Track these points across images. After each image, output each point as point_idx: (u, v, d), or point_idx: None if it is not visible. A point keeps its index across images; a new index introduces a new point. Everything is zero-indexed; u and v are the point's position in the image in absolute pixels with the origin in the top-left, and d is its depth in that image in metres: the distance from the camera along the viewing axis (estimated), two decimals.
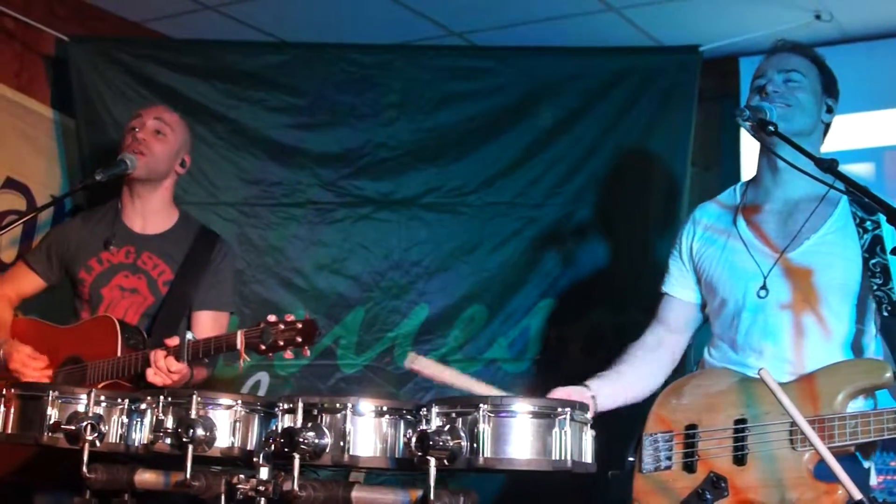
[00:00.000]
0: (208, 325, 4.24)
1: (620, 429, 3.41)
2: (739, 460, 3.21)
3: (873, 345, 3.39)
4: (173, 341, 3.75)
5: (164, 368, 3.73)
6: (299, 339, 3.38)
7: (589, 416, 2.91)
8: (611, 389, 3.55)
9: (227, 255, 4.38)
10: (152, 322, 4.20)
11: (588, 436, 2.74)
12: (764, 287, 3.39)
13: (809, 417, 3.06)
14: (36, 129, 5.56)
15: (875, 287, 3.29)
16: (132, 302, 4.21)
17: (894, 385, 3.12)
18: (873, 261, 3.32)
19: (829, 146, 3.72)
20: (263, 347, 3.43)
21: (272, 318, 3.42)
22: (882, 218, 3.24)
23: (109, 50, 5.53)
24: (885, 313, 3.27)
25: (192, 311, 4.25)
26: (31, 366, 4.07)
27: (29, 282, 4.44)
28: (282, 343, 3.39)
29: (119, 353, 3.93)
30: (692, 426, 3.34)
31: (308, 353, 3.45)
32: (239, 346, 3.50)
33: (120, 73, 5.49)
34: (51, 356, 4.15)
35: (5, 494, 4.04)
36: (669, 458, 3.35)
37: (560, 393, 3.42)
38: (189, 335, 3.73)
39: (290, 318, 3.40)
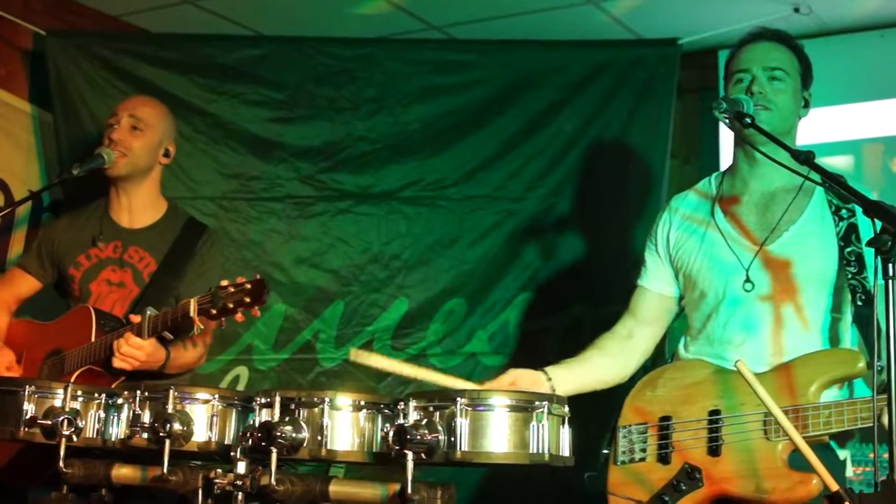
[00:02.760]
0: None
1: (594, 422, 3.42)
2: (714, 451, 3.23)
3: (849, 333, 3.40)
4: (136, 318, 3.78)
5: (127, 352, 3.76)
6: (247, 300, 3.38)
7: None
8: (574, 376, 3.57)
9: (215, 244, 4.38)
10: (134, 308, 4.18)
11: (566, 429, 2.75)
12: (748, 280, 3.39)
13: (785, 408, 3.08)
14: (13, 123, 5.53)
15: (850, 276, 3.31)
16: (119, 295, 4.23)
17: (868, 374, 3.14)
18: (848, 249, 3.33)
19: (807, 139, 3.73)
20: (214, 311, 3.44)
21: (224, 282, 3.44)
22: (858, 207, 3.25)
23: (87, 44, 5.50)
24: (860, 303, 3.29)
25: (177, 298, 4.24)
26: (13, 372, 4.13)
27: (25, 284, 4.47)
28: (231, 305, 3.40)
29: (93, 340, 3.94)
30: (666, 417, 3.35)
31: (258, 313, 3.48)
32: (192, 313, 3.51)
33: (98, 68, 5.47)
34: (38, 352, 4.18)
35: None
36: (644, 450, 3.36)
37: (512, 373, 3.46)
38: (149, 311, 3.74)
39: (241, 280, 3.42)
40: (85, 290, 4.26)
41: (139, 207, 4.34)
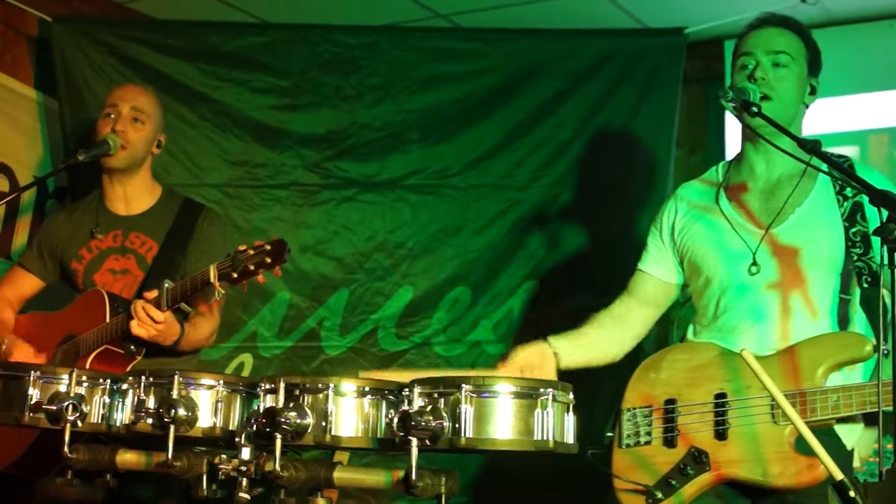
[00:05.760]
0: None
1: (598, 405, 3.42)
2: (720, 435, 3.22)
3: (858, 314, 3.38)
4: (152, 294, 3.78)
5: (145, 318, 3.76)
6: (269, 260, 3.36)
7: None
8: (573, 348, 3.57)
9: (214, 222, 4.39)
10: (139, 291, 4.19)
11: (570, 416, 2.74)
12: (755, 263, 3.38)
13: (791, 392, 3.08)
14: (19, 109, 5.54)
15: (855, 257, 3.29)
16: (125, 283, 4.23)
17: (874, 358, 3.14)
18: (853, 229, 3.31)
19: (813, 129, 3.71)
20: (235, 275, 3.43)
21: (242, 246, 3.44)
22: None
23: (93, 31, 5.50)
24: (865, 284, 3.27)
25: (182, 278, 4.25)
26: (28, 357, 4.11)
27: (27, 283, 4.47)
28: (252, 267, 3.39)
29: (108, 320, 3.96)
30: (671, 401, 3.34)
31: (279, 273, 3.48)
32: (212, 279, 3.52)
33: (103, 54, 5.47)
34: (50, 341, 4.18)
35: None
36: (649, 434, 3.35)
37: (521, 353, 3.45)
38: (167, 283, 3.75)
39: (259, 242, 3.41)
40: (89, 283, 4.26)
41: (135, 195, 4.35)
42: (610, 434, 3.44)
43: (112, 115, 4.28)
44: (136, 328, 3.79)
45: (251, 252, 3.40)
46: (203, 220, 4.32)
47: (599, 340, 3.66)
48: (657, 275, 3.68)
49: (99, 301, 4.04)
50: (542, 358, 3.48)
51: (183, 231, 4.27)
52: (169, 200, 4.40)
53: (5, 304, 4.42)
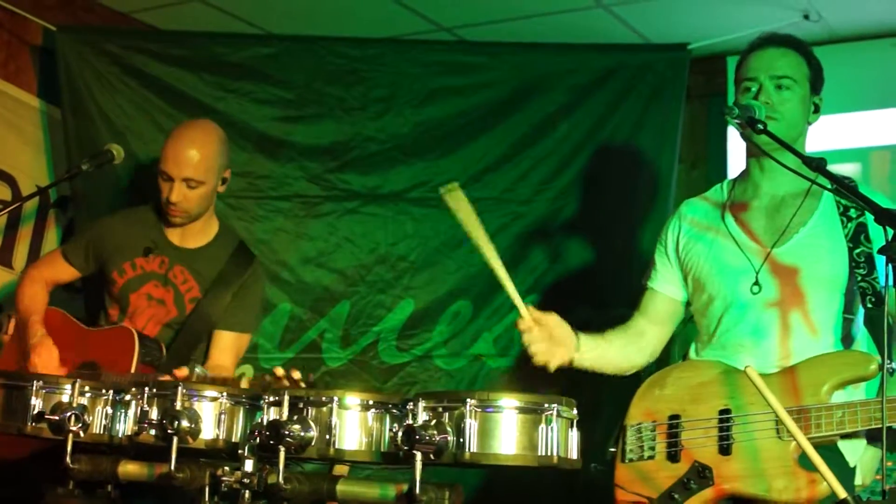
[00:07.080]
0: (229, 346, 4.28)
1: (600, 422, 3.42)
2: (724, 450, 3.23)
3: (862, 333, 3.40)
4: (182, 372, 3.73)
5: None
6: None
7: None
8: (596, 350, 3.58)
9: (260, 277, 4.43)
10: (174, 336, 4.24)
11: (574, 431, 2.74)
12: (756, 283, 3.39)
13: (798, 407, 3.08)
14: (22, 118, 5.54)
15: (859, 278, 3.30)
16: (156, 312, 4.23)
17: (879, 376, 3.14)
18: (857, 250, 3.33)
19: (816, 146, 3.72)
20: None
21: (279, 371, 3.33)
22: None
23: (97, 40, 5.50)
24: (869, 305, 3.29)
25: (215, 328, 4.27)
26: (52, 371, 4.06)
27: (65, 271, 4.46)
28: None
29: (133, 369, 3.96)
30: (675, 416, 3.35)
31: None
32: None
33: (107, 64, 5.46)
34: (72, 355, 4.16)
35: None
36: (652, 448, 3.36)
37: (554, 320, 3.47)
38: (198, 370, 3.77)
39: (297, 376, 3.31)
40: (124, 300, 4.26)
41: (193, 231, 4.35)
42: (613, 449, 3.44)
43: (166, 181, 4.19)
44: None
45: (285, 382, 3.29)
46: (251, 274, 4.34)
47: (619, 350, 3.67)
48: (667, 292, 3.70)
49: (129, 342, 4.04)
50: (564, 337, 3.48)
51: (229, 282, 4.28)
52: (223, 242, 4.40)
53: (42, 285, 4.38)
